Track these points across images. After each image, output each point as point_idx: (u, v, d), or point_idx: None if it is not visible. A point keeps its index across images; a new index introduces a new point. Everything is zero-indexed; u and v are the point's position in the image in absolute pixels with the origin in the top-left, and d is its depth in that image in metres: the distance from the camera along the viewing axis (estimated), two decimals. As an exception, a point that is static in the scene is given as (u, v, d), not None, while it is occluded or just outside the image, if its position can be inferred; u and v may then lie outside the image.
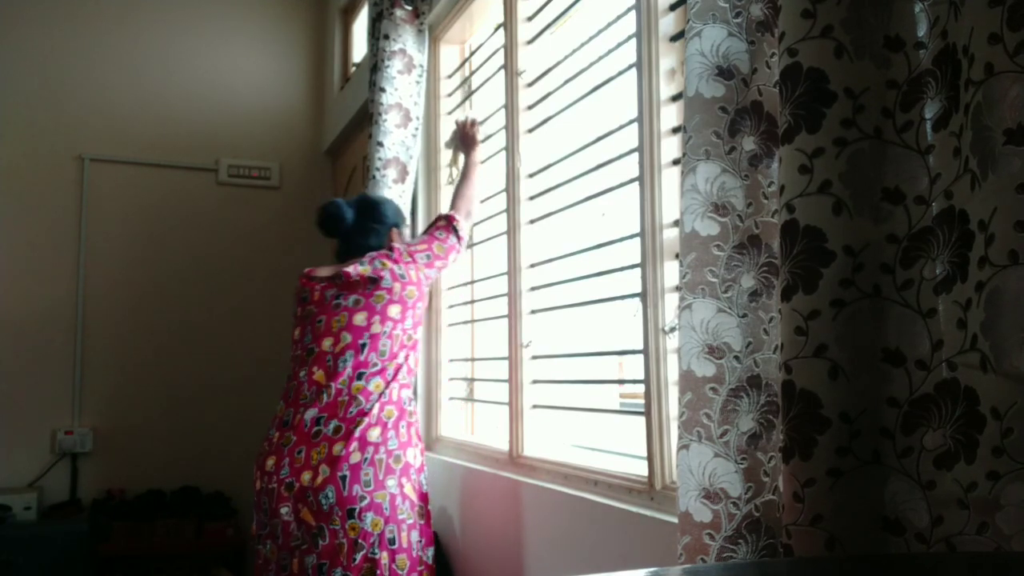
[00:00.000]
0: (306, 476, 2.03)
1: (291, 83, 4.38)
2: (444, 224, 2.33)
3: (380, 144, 2.74)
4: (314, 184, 4.25)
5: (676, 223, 1.60)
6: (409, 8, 2.79)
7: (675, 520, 1.26)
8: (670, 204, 1.67)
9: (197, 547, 3.68)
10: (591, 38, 2.05)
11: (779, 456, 1.09)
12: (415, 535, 2.09)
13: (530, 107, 2.33)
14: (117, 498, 3.75)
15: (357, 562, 1.99)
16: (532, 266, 2.30)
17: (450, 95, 3.01)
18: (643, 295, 1.72)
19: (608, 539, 1.74)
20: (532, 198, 2.31)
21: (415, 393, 2.88)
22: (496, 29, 2.68)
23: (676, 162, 1.66)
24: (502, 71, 2.46)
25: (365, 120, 3.09)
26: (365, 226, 2.30)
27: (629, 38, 1.84)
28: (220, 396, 4.00)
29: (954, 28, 0.94)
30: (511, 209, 2.36)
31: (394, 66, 2.76)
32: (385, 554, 2.02)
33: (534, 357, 2.27)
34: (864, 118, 1.03)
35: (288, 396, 2.20)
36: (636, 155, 1.77)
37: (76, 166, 3.93)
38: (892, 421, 1.00)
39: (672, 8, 1.72)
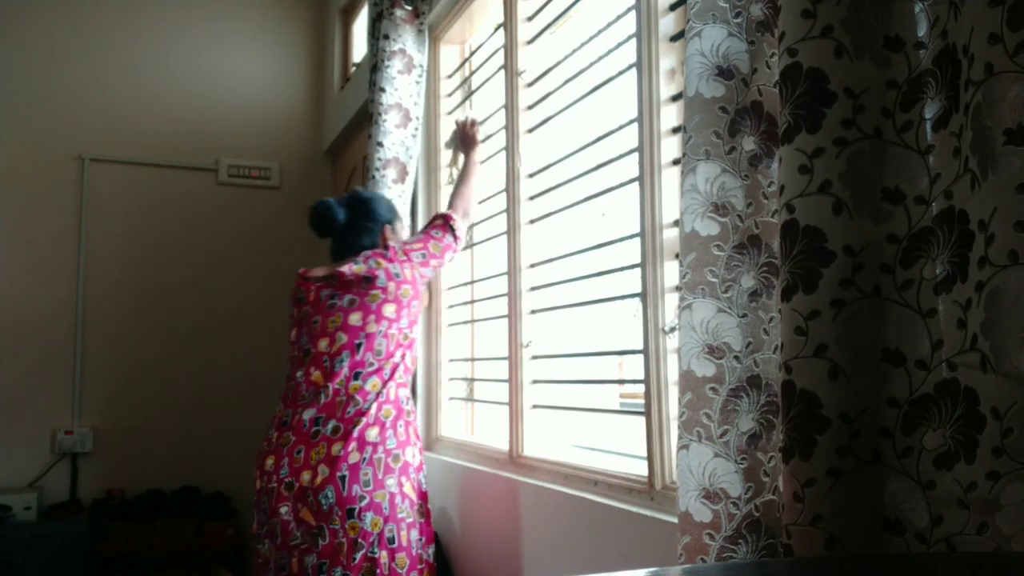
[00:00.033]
0: (305, 476, 2.03)
1: (291, 83, 4.38)
2: (441, 223, 2.33)
3: (380, 144, 2.74)
4: (314, 184, 4.25)
5: (676, 223, 1.60)
6: (409, 8, 2.79)
7: (675, 520, 1.26)
8: (670, 204, 1.67)
9: (197, 547, 3.68)
10: (591, 38, 2.05)
11: (779, 456, 1.09)
12: (415, 534, 2.09)
13: (530, 107, 2.33)
14: (117, 498, 3.75)
15: (357, 561, 1.99)
16: (532, 266, 2.30)
17: (450, 95, 3.01)
18: (643, 295, 1.72)
19: (608, 539, 1.74)
20: (532, 198, 2.31)
21: (415, 392, 2.89)
22: (496, 29, 2.68)
23: (676, 162, 1.66)
24: (502, 71, 2.46)
25: (365, 120, 3.09)
26: (358, 224, 2.29)
27: (629, 38, 1.84)
28: (220, 396, 4.00)
29: (954, 28, 0.94)
30: (511, 209, 2.36)
31: (394, 66, 2.76)
32: (384, 553, 2.02)
33: (534, 357, 2.27)
34: (864, 118, 1.03)
35: (286, 397, 2.20)
36: (636, 155, 1.77)
37: (76, 166, 3.93)
38: (892, 421, 1.00)
39: (672, 8, 1.72)
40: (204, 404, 3.98)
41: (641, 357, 1.72)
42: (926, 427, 0.96)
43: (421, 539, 2.12)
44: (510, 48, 2.40)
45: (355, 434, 2.04)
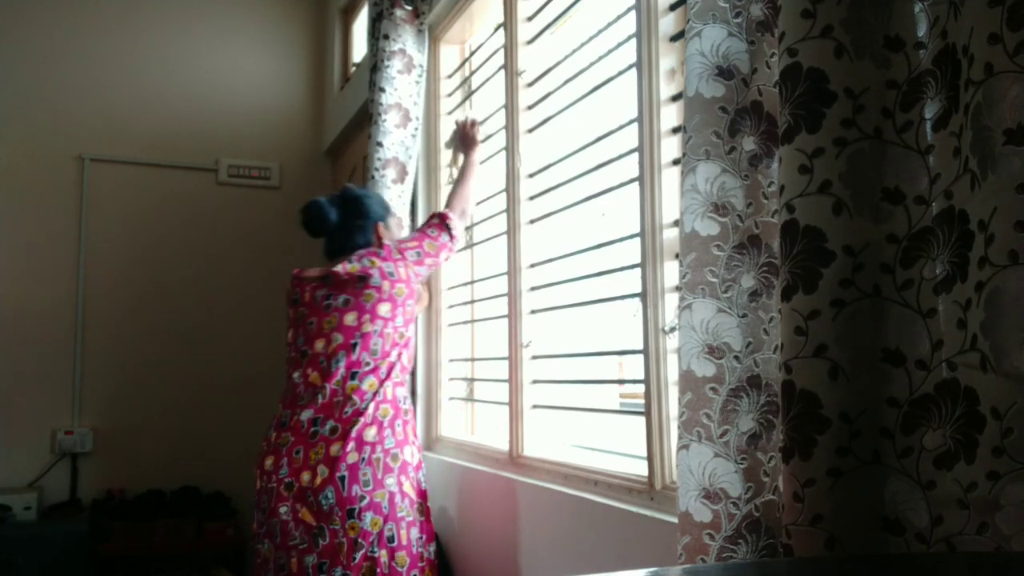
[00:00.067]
0: (305, 476, 2.04)
1: (291, 83, 4.38)
2: (437, 222, 2.33)
3: (379, 144, 2.74)
4: (314, 184, 4.25)
5: (676, 223, 1.60)
6: (409, 8, 2.79)
7: (675, 520, 1.26)
8: (670, 204, 1.67)
9: (197, 547, 3.68)
10: (591, 38, 2.05)
11: (779, 456, 1.09)
12: (415, 532, 2.10)
13: (530, 107, 2.33)
14: (117, 498, 3.75)
15: (357, 561, 1.99)
16: (532, 266, 2.30)
17: (450, 95, 3.01)
18: (643, 295, 1.72)
19: (608, 539, 1.74)
20: (532, 198, 2.31)
21: (415, 392, 2.89)
22: (496, 29, 2.68)
23: (676, 162, 1.66)
24: (502, 71, 2.46)
25: (365, 120, 3.09)
26: (350, 223, 2.28)
27: (629, 38, 1.84)
28: (220, 396, 4.00)
29: (954, 28, 0.94)
30: (511, 209, 2.36)
31: (394, 66, 2.76)
32: (384, 552, 2.02)
33: (534, 357, 2.27)
34: (864, 118, 1.03)
35: (285, 398, 2.21)
36: (636, 155, 1.77)
37: (76, 166, 3.93)
38: (892, 421, 1.00)
39: (672, 8, 1.72)
40: (204, 404, 3.98)
41: (641, 357, 1.72)
42: (926, 427, 0.96)
43: (422, 537, 2.13)
44: (510, 48, 2.40)
45: (353, 434, 2.04)
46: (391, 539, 2.04)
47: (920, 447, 0.97)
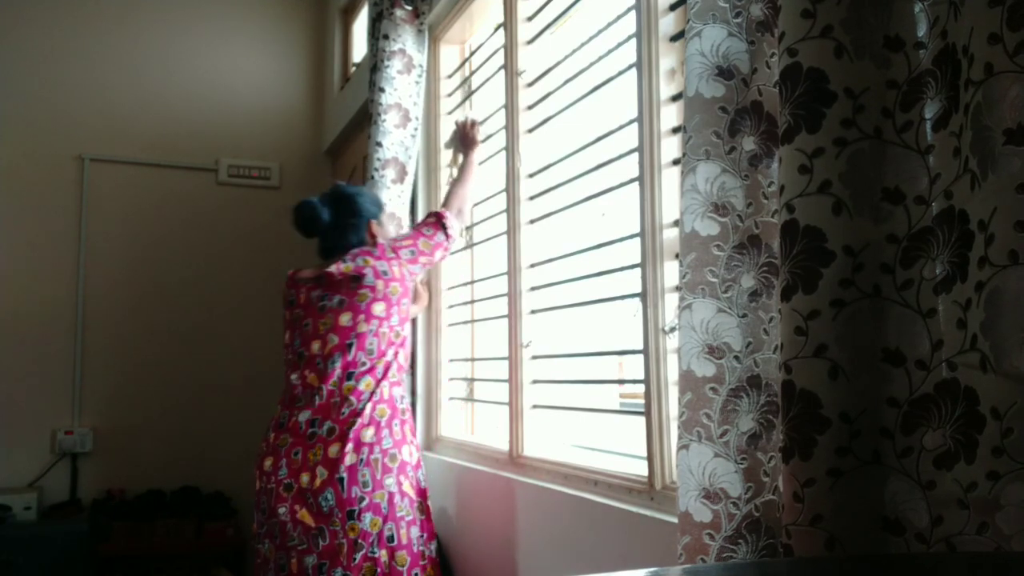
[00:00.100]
0: (304, 478, 2.04)
1: (291, 83, 4.38)
2: (433, 221, 2.33)
3: (379, 144, 2.74)
4: (314, 184, 4.23)
5: (676, 223, 1.60)
6: (409, 8, 2.79)
7: (675, 520, 1.26)
8: (670, 204, 1.67)
9: (197, 547, 3.68)
10: (591, 38, 2.05)
11: (779, 456, 1.09)
12: (415, 531, 2.10)
13: (530, 107, 2.33)
14: (117, 498, 3.75)
15: (357, 562, 1.99)
16: (532, 266, 2.30)
17: (450, 95, 3.01)
18: (643, 295, 1.72)
19: (608, 539, 1.74)
20: (532, 198, 2.31)
21: (414, 392, 2.89)
22: (496, 29, 2.68)
23: (676, 162, 1.66)
24: (502, 71, 2.46)
25: (365, 120, 3.09)
26: (343, 222, 2.28)
27: (629, 38, 1.84)
28: (220, 396, 4.00)
29: (954, 28, 0.94)
30: (511, 209, 2.36)
31: (393, 66, 2.76)
32: (384, 552, 2.02)
33: (534, 357, 2.27)
34: (864, 118, 1.03)
35: (283, 399, 2.21)
36: (636, 155, 1.77)
37: (76, 166, 3.93)
38: (892, 421, 1.00)
39: (672, 8, 1.72)
40: (204, 404, 3.98)
41: (641, 357, 1.72)
42: (926, 427, 0.96)
43: (422, 536, 2.13)
44: (510, 48, 2.40)
45: (351, 435, 2.04)
46: (391, 539, 2.04)
47: (920, 447, 0.97)
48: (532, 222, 2.31)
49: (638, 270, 1.74)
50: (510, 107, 2.38)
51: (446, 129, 2.91)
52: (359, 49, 4.07)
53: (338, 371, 2.11)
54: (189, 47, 4.17)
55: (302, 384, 2.16)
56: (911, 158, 1.02)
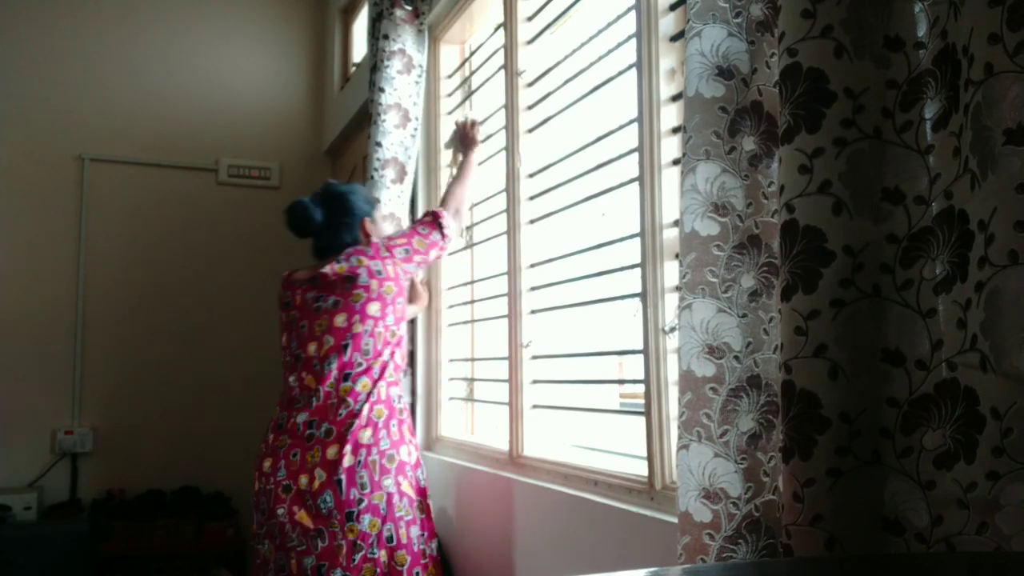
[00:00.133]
0: (303, 480, 2.04)
1: (291, 83, 4.38)
2: (430, 220, 2.33)
3: (379, 144, 2.74)
4: (314, 184, 4.18)
5: (676, 223, 1.60)
6: (409, 8, 2.79)
7: (675, 520, 1.26)
8: (670, 204, 1.67)
9: (197, 547, 3.68)
10: (591, 38, 2.05)
11: (779, 456, 1.09)
12: (415, 530, 2.10)
13: (530, 107, 2.33)
14: (117, 498, 3.75)
15: (357, 563, 1.99)
16: (532, 266, 2.30)
17: (450, 95, 3.01)
18: (643, 295, 1.72)
19: (608, 539, 1.74)
20: (532, 198, 2.31)
21: (414, 392, 2.89)
22: (496, 29, 2.68)
23: (676, 162, 1.66)
24: (502, 71, 2.46)
25: (365, 120, 3.09)
26: (335, 222, 2.27)
27: (629, 38, 1.84)
28: (220, 396, 4.00)
29: (954, 28, 0.94)
30: (511, 209, 2.36)
31: (393, 66, 2.76)
32: (383, 552, 2.02)
33: (534, 357, 2.27)
34: (864, 118, 1.03)
35: (282, 400, 2.21)
36: (636, 155, 1.77)
37: (76, 166, 3.93)
38: (892, 421, 1.00)
39: (672, 8, 1.72)
40: (204, 404, 3.98)
41: (641, 357, 1.72)
42: (926, 427, 0.96)
43: (423, 535, 2.13)
44: (510, 48, 2.40)
45: (349, 437, 2.04)
46: (390, 539, 2.04)
47: (920, 447, 0.97)
48: (532, 222, 2.31)
49: (638, 270, 1.74)
50: (510, 107, 2.38)
51: (446, 129, 2.91)
52: (359, 49, 4.07)
53: (335, 372, 2.11)
54: (189, 47, 4.17)
55: (299, 386, 2.16)
56: (911, 158, 1.02)
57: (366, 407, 2.08)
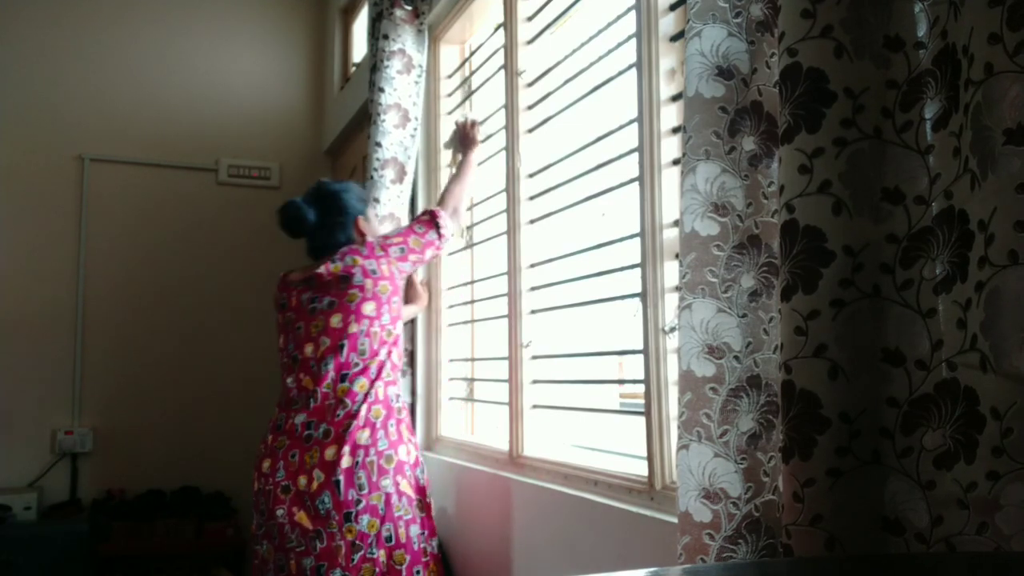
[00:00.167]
0: (302, 481, 2.04)
1: (291, 83, 4.38)
2: (427, 219, 2.32)
3: (378, 144, 2.74)
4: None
5: (676, 223, 1.60)
6: (409, 8, 2.79)
7: (675, 520, 1.26)
8: (670, 204, 1.67)
9: (197, 547, 3.68)
10: (591, 38, 2.05)
11: (779, 456, 1.09)
12: (415, 529, 2.10)
13: (530, 107, 2.33)
14: (117, 498, 3.75)
15: (356, 562, 1.99)
16: (532, 266, 2.30)
17: (450, 95, 3.01)
18: (643, 295, 1.72)
19: (608, 539, 1.74)
20: (532, 198, 2.31)
21: (414, 392, 2.89)
22: (496, 29, 2.68)
23: (676, 162, 1.66)
24: (502, 71, 2.46)
25: (365, 120, 3.09)
26: (329, 221, 2.26)
27: (629, 38, 1.84)
28: (220, 396, 4.00)
29: (954, 28, 0.94)
30: (511, 209, 2.36)
31: (393, 66, 2.76)
32: (382, 552, 2.02)
33: (534, 357, 2.27)
34: (864, 118, 1.03)
35: (281, 402, 2.21)
36: (636, 155, 1.77)
37: (76, 166, 3.93)
38: (892, 421, 1.00)
39: (672, 8, 1.72)
40: (204, 404, 3.98)
41: (641, 357, 1.72)
42: (926, 427, 0.96)
43: (423, 533, 2.13)
44: (510, 48, 2.40)
45: (347, 438, 2.04)
46: (389, 538, 2.04)
47: (920, 447, 0.97)
48: (532, 222, 2.31)
49: (638, 270, 1.74)
50: (510, 107, 2.38)
51: (446, 129, 2.91)
52: (359, 49, 4.07)
53: (332, 373, 2.11)
54: (189, 47, 4.17)
55: (297, 387, 2.16)
56: (911, 158, 1.02)
57: (364, 407, 2.08)
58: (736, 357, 1.23)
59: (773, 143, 1.24)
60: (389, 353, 2.17)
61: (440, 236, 2.30)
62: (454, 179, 2.48)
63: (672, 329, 1.65)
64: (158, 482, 3.84)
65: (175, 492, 3.85)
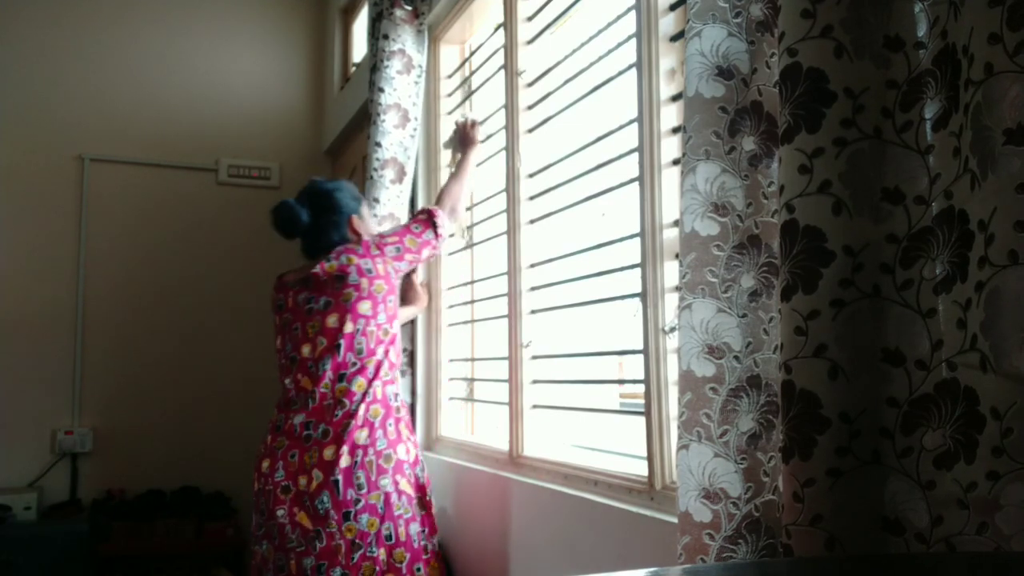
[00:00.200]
0: (302, 480, 2.04)
1: (291, 83, 4.38)
2: (424, 218, 2.32)
3: (378, 144, 2.74)
4: (314, 184, 4.24)
5: (676, 223, 1.60)
6: (409, 8, 2.79)
7: (675, 520, 1.26)
8: (670, 204, 1.67)
9: (197, 547, 3.68)
10: (591, 38, 2.05)
11: (779, 456, 1.09)
12: (415, 527, 2.10)
13: (530, 107, 2.33)
14: (117, 498, 3.75)
15: (356, 561, 2.00)
16: (532, 266, 2.30)
17: (450, 95, 3.01)
18: (643, 295, 1.72)
19: (608, 539, 1.74)
20: (532, 198, 2.31)
21: (414, 392, 2.89)
22: (496, 29, 2.68)
23: (676, 162, 1.66)
24: (502, 71, 2.46)
25: (365, 120, 3.09)
26: (322, 220, 2.25)
27: (629, 38, 1.84)
28: (220, 396, 4.00)
29: (954, 28, 0.94)
30: (511, 209, 2.36)
31: (393, 66, 2.76)
32: (382, 551, 2.02)
33: (534, 357, 2.27)
34: (864, 118, 1.03)
35: (280, 402, 2.21)
36: (636, 155, 1.77)
37: (76, 166, 3.93)
38: (892, 421, 1.00)
39: (672, 8, 1.72)
40: (204, 404, 3.98)
41: (641, 357, 1.72)
42: (926, 427, 0.96)
43: (423, 531, 2.13)
44: (510, 48, 2.40)
45: (345, 438, 2.04)
46: (388, 537, 2.04)
47: (920, 447, 0.97)
48: (532, 222, 2.31)
49: (638, 270, 1.74)
50: (510, 107, 2.38)
51: (446, 129, 2.91)
52: (359, 49, 4.07)
53: (329, 373, 2.11)
54: (189, 47, 4.17)
55: (295, 388, 2.16)
56: (911, 158, 1.02)
57: (362, 407, 2.08)
58: (736, 357, 1.23)
59: (773, 143, 1.24)
60: (386, 352, 2.17)
61: (437, 236, 2.30)
62: (452, 178, 2.48)
63: (672, 329, 1.65)
64: (158, 482, 3.84)
65: (175, 492, 3.85)
